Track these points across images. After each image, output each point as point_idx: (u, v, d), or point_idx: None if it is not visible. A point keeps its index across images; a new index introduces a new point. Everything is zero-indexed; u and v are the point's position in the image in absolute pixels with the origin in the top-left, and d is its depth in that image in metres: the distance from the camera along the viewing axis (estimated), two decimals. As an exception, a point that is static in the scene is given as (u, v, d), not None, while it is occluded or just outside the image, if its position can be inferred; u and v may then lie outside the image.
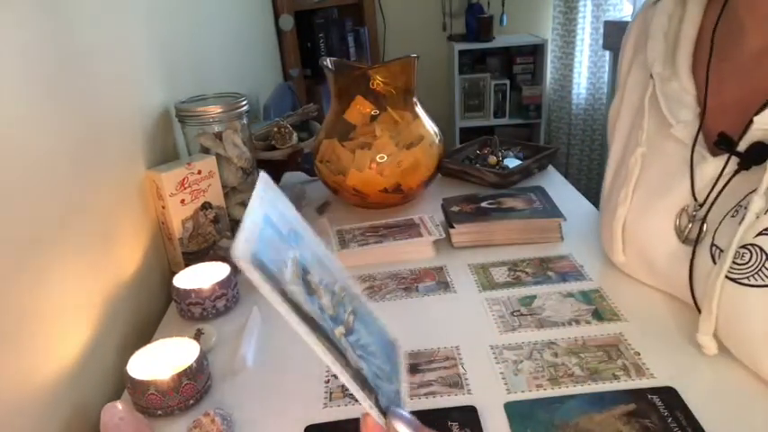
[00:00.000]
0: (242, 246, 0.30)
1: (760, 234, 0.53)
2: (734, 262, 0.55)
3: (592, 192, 2.40)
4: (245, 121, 0.95)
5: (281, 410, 0.58)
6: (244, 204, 0.95)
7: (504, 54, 2.94)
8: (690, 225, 0.63)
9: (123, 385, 0.61)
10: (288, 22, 2.15)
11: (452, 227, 0.86)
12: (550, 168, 1.15)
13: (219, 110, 0.89)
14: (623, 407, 0.53)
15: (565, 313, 0.69)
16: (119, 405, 0.54)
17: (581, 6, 2.61)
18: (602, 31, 2.56)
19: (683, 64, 0.67)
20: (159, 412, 0.58)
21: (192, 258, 0.85)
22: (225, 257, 0.82)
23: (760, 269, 0.53)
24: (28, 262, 0.54)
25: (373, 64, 1.07)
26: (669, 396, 0.54)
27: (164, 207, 0.82)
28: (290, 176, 1.21)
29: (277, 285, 0.31)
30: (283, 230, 0.36)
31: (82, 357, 0.62)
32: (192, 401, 0.59)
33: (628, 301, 0.70)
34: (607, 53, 2.60)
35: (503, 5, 2.79)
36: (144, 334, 0.75)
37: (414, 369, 0.62)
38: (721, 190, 0.60)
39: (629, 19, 2.49)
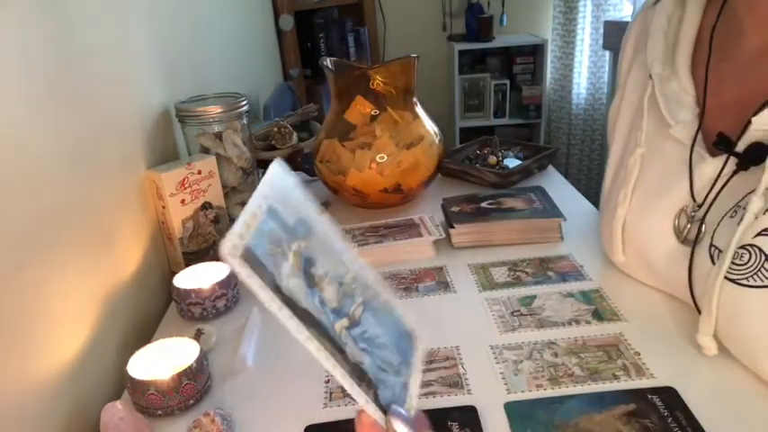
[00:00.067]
0: (232, 242, 0.30)
1: (759, 234, 0.53)
2: (733, 262, 0.55)
3: (592, 192, 2.40)
4: (245, 121, 0.95)
5: (281, 410, 0.58)
6: (244, 204, 0.95)
7: (504, 54, 2.93)
8: (689, 225, 0.63)
9: (123, 385, 0.61)
10: (288, 22, 2.15)
11: (452, 227, 0.86)
12: (550, 168, 1.15)
13: (219, 110, 0.89)
14: (623, 407, 0.53)
15: (565, 313, 0.69)
16: (119, 405, 0.54)
17: (581, 6, 2.61)
18: (602, 31, 2.55)
19: (683, 64, 0.67)
20: (159, 412, 0.58)
21: (192, 258, 0.85)
22: (225, 257, 0.82)
23: (759, 270, 0.53)
24: (28, 262, 0.54)
25: (373, 64, 1.07)
26: (669, 396, 0.54)
27: (164, 207, 0.82)
28: (290, 176, 1.21)
29: (269, 280, 0.31)
30: (290, 221, 0.35)
31: (82, 357, 0.62)
32: (192, 401, 0.59)
33: (628, 301, 0.70)
34: (607, 53, 2.60)
35: (503, 5, 2.78)
36: (144, 334, 0.75)
37: (414, 369, 0.62)
38: (720, 190, 0.60)
39: (629, 19, 2.49)
